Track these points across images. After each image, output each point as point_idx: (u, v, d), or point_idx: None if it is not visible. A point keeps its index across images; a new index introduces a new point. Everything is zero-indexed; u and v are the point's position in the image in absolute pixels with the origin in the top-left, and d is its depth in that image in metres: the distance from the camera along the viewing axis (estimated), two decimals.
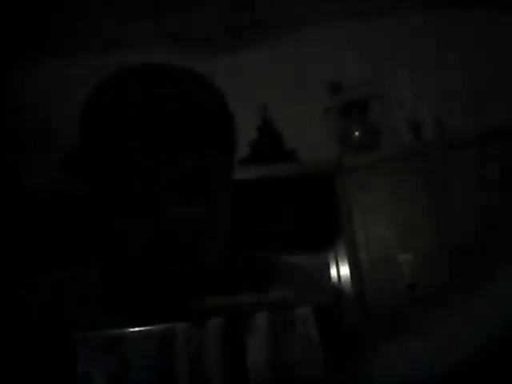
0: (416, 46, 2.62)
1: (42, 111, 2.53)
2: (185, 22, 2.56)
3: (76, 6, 2.38)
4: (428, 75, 2.50)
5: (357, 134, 2.43)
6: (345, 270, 2.44)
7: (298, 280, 0.92)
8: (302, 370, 0.58)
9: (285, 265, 0.96)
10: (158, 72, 0.83)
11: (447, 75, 2.55)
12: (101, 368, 0.57)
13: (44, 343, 0.80)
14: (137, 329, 0.59)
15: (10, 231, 2.21)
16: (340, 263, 2.61)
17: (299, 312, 0.60)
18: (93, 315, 0.86)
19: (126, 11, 2.43)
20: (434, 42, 2.63)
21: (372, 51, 2.62)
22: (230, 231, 0.88)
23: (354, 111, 2.45)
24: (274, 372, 0.58)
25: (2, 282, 0.96)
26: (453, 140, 2.24)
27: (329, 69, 2.55)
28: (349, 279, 2.27)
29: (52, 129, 2.50)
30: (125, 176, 0.80)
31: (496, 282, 0.64)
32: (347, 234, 2.25)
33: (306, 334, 0.59)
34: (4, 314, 0.89)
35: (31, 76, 2.61)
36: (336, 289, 0.96)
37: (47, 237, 2.27)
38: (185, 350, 0.58)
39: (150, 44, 2.53)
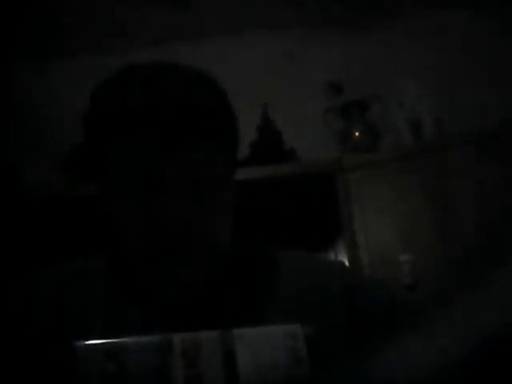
0: (416, 46, 2.62)
1: (42, 111, 2.54)
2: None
3: (76, 6, 2.39)
4: (428, 75, 2.50)
5: (357, 134, 2.43)
6: None
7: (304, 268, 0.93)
8: (289, 381, 0.60)
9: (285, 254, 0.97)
10: (162, 70, 0.83)
11: (447, 75, 2.55)
12: (100, 377, 0.58)
13: (45, 350, 0.79)
14: (136, 338, 0.60)
15: (9, 231, 2.21)
16: None
17: (288, 327, 0.62)
18: (98, 309, 0.86)
19: (126, 11, 2.44)
20: (434, 43, 2.63)
21: (372, 52, 2.62)
22: (232, 231, 0.88)
23: (354, 111, 2.45)
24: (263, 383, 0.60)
25: (2, 282, 0.96)
26: (453, 140, 2.24)
27: (329, 69, 2.55)
28: None
29: (52, 129, 2.50)
30: (126, 174, 0.80)
31: (496, 282, 0.64)
32: (347, 233, 2.25)
33: (293, 347, 0.60)
34: (5, 313, 0.89)
35: (31, 76, 2.61)
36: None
37: (47, 237, 2.27)
38: (181, 360, 0.59)
39: (150, 44, 2.53)
